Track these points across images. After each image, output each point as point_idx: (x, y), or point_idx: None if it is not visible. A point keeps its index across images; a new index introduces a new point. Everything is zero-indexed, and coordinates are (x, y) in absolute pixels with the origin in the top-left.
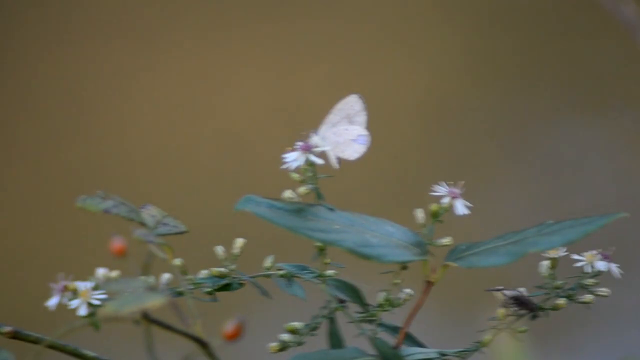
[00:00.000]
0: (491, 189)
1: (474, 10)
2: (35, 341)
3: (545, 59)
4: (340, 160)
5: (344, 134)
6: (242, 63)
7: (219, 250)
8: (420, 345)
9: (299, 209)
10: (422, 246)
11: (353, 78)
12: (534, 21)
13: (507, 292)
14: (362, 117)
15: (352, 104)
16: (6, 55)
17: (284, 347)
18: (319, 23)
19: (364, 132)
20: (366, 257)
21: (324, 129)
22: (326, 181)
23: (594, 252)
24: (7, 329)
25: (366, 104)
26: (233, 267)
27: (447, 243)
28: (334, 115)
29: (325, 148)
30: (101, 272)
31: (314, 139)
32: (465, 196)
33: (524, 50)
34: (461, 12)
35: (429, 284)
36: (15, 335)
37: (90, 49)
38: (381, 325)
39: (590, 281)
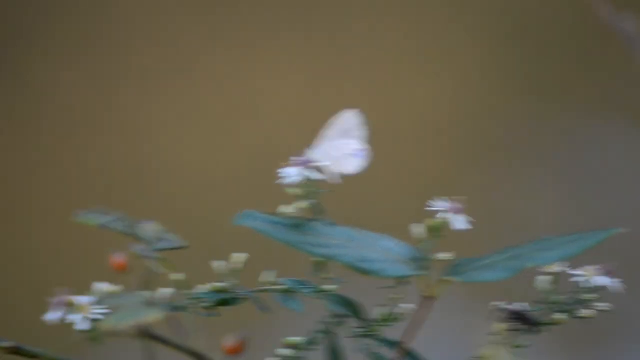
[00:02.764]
0: (512, 199)
1: (495, 25)
2: (36, 356)
3: (567, 71)
4: (339, 175)
5: (342, 148)
6: (265, 78)
7: (219, 265)
8: None
9: (298, 224)
10: (422, 261)
11: (376, 94)
12: (557, 34)
13: (506, 307)
14: (360, 132)
15: (349, 119)
16: (22, 64)
17: None
18: (344, 42)
19: (362, 146)
20: (365, 272)
21: (322, 144)
22: (337, 196)
23: (595, 266)
24: (8, 344)
25: (364, 118)
26: (233, 282)
27: (447, 258)
28: (332, 130)
29: (324, 163)
30: (101, 286)
31: (313, 154)
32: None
33: (542, 61)
34: (482, 28)
35: (428, 298)
36: (16, 351)
37: (112, 58)
38: (381, 340)
39: (591, 296)
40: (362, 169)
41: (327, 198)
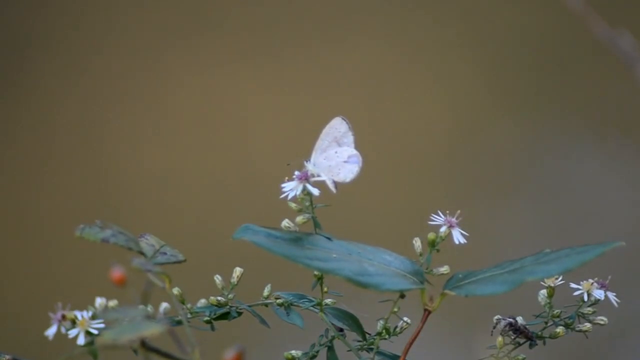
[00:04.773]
0: (504, 218)
1: (493, 44)
2: None
3: (559, 92)
4: (336, 185)
5: (335, 157)
6: (256, 94)
7: (218, 279)
8: None
9: (297, 238)
10: (420, 275)
11: (369, 110)
12: (554, 55)
13: (503, 320)
14: (349, 138)
15: (337, 127)
16: (23, 86)
17: None
18: (337, 57)
19: (354, 152)
20: (364, 285)
21: (315, 156)
22: (334, 210)
23: (591, 280)
24: (6, 357)
25: (351, 124)
26: (231, 296)
27: (445, 272)
28: (322, 141)
29: (322, 177)
30: (100, 301)
31: (308, 167)
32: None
33: (539, 83)
34: (480, 47)
35: (427, 312)
36: None
37: (104, 80)
38: (380, 353)
39: (588, 309)
40: (357, 174)
41: (325, 212)
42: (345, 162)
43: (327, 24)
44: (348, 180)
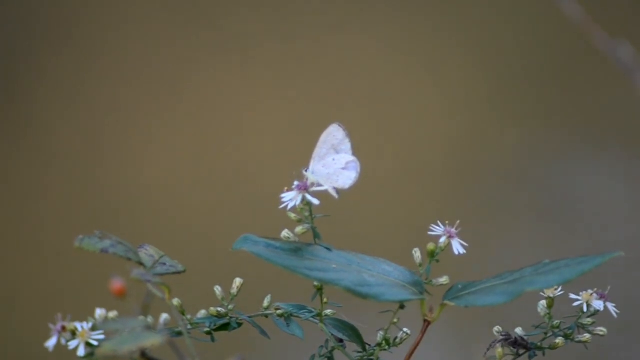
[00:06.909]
0: (504, 228)
1: (494, 55)
2: None
3: (560, 102)
4: (338, 191)
5: (333, 164)
6: (255, 103)
7: (218, 290)
8: None
9: (296, 249)
10: (420, 285)
11: (370, 118)
12: (555, 65)
13: (502, 332)
14: (346, 145)
15: (334, 134)
16: (22, 94)
17: None
18: (336, 64)
19: (352, 158)
20: (364, 296)
21: (314, 164)
22: (334, 220)
23: (591, 291)
24: None
25: (347, 130)
26: (231, 306)
27: (444, 282)
28: (320, 148)
29: (323, 187)
30: (100, 312)
31: (307, 176)
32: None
33: (540, 93)
34: (481, 56)
35: (427, 323)
36: None
37: (103, 91)
38: None
39: (587, 320)
40: (355, 180)
41: (325, 222)
42: (343, 169)
43: (326, 29)
44: (347, 187)
